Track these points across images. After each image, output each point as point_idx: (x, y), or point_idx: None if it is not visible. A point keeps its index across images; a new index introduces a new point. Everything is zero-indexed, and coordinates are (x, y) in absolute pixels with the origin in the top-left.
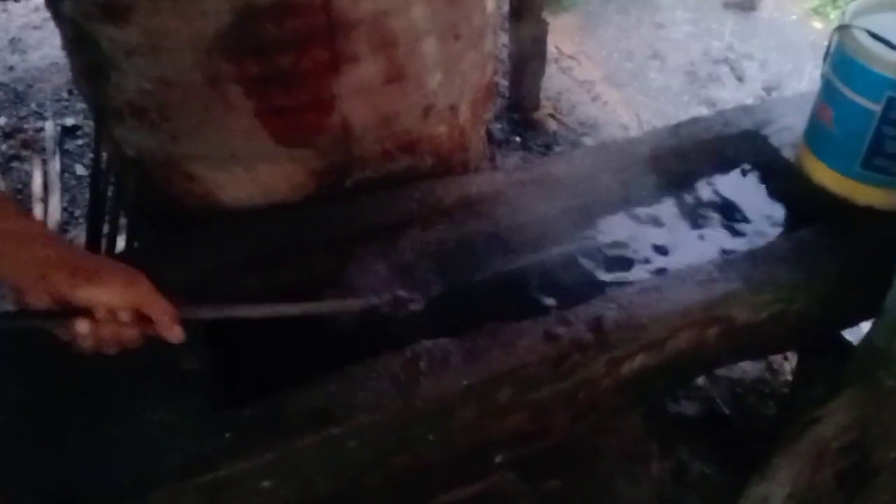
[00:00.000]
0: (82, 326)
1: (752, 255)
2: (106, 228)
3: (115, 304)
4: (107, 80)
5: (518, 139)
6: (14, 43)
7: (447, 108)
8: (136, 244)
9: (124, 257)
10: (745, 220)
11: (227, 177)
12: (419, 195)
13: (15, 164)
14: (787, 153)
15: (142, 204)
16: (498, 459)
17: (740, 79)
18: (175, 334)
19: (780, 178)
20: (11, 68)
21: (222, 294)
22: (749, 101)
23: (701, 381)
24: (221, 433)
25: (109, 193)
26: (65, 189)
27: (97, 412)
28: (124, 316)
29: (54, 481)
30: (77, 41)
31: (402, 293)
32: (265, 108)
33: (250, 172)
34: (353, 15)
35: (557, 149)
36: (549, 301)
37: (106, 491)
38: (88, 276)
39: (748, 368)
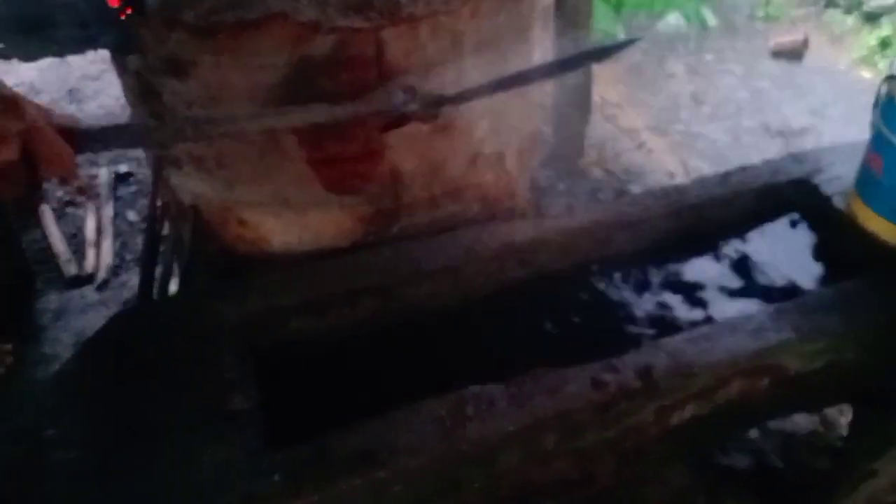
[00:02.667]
0: None
1: (803, 305)
2: (159, 272)
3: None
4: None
5: (562, 187)
6: (72, 93)
7: (494, 156)
8: (189, 289)
9: (178, 301)
10: (796, 269)
11: (278, 223)
12: (465, 241)
13: (70, 209)
14: (838, 202)
15: (196, 249)
16: None
17: (788, 127)
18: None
19: (831, 226)
20: (69, 116)
21: (273, 337)
22: (797, 149)
23: (752, 434)
24: (270, 474)
25: (163, 239)
26: (117, 234)
27: (149, 451)
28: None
29: None
30: (140, 94)
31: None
32: (318, 157)
33: (301, 219)
34: (404, 67)
35: (601, 196)
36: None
37: None
38: None
39: (801, 422)
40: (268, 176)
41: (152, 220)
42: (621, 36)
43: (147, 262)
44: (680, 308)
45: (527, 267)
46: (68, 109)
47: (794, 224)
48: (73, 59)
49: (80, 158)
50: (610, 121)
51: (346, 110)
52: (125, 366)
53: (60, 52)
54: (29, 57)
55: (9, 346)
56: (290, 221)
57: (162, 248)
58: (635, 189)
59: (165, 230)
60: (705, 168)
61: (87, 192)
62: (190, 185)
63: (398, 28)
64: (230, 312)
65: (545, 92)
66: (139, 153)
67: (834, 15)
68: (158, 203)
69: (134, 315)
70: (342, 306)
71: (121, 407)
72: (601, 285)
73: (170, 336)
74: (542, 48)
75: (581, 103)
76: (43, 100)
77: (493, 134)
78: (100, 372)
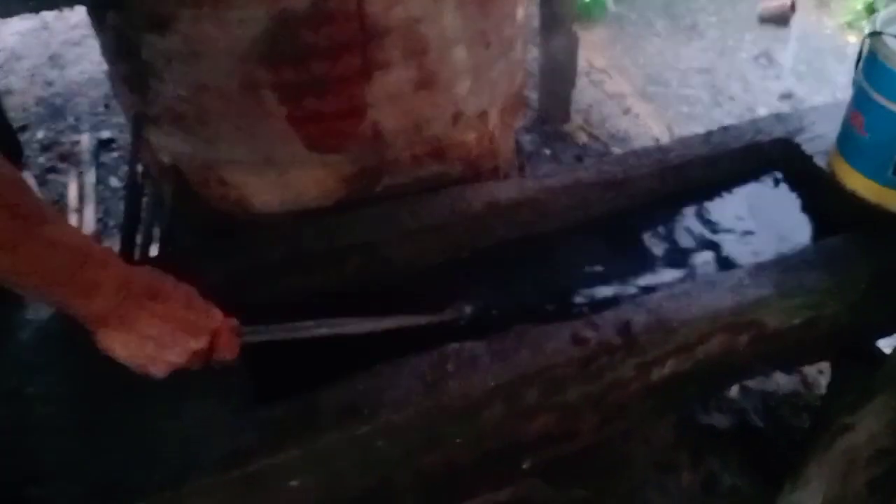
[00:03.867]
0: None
1: (784, 261)
2: (140, 234)
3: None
4: (146, 88)
5: (548, 151)
6: (54, 59)
7: (477, 114)
8: (170, 250)
9: (161, 261)
10: (778, 227)
11: (260, 182)
12: (448, 201)
13: (52, 175)
14: (820, 161)
15: (177, 210)
16: (526, 465)
17: (773, 91)
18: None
19: (813, 185)
20: (50, 83)
21: (257, 295)
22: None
23: (733, 393)
24: (254, 429)
25: (144, 202)
26: (100, 200)
27: (134, 407)
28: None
29: (95, 472)
30: (119, 50)
31: (468, 309)
32: (299, 114)
33: (283, 177)
34: (386, 22)
35: (587, 161)
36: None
37: (144, 482)
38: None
39: (782, 381)
40: (249, 133)
41: (132, 181)
42: (611, 3)
43: (128, 223)
44: (661, 266)
45: (510, 226)
46: (50, 75)
47: (776, 183)
48: (55, 24)
49: (63, 125)
50: (596, 86)
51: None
52: None
53: (37, 9)
54: (7, 12)
55: None
56: (272, 181)
57: (143, 210)
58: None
59: (147, 191)
60: (691, 132)
61: (69, 158)
62: (170, 145)
63: None
64: (215, 271)
65: (531, 56)
66: (121, 119)
67: None
68: (139, 164)
69: None
70: (326, 264)
71: (104, 364)
72: (583, 244)
73: None
74: (525, 7)
75: (566, 68)
76: (24, 65)
77: (475, 92)
78: (82, 331)
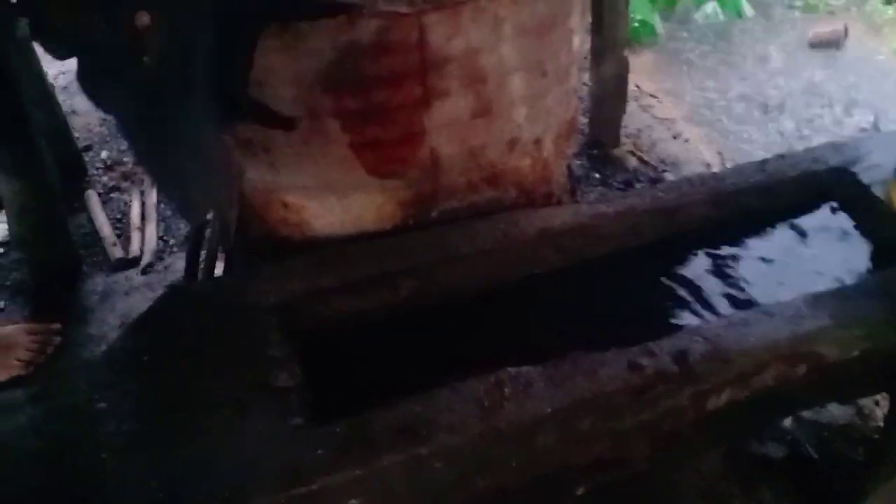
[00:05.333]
0: None
1: (841, 292)
2: (204, 255)
3: None
4: None
5: (598, 175)
6: None
7: (532, 141)
8: (233, 271)
9: (223, 282)
10: (835, 257)
11: (320, 206)
12: (502, 226)
13: (115, 194)
14: (878, 190)
15: (240, 232)
16: (579, 492)
17: (826, 119)
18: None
19: (870, 215)
20: None
21: (314, 317)
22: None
23: (788, 423)
24: (314, 449)
25: (208, 222)
26: (161, 219)
27: (197, 424)
28: None
29: (156, 488)
30: None
31: None
32: (360, 141)
33: (343, 202)
34: (446, 53)
35: (638, 186)
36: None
37: (204, 499)
38: None
39: (837, 412)
40: (311, 159)
41: None
42: (658, 25)
43: (193, 244)
44: (717, 294)
45: (563, 252)
46: None
47: (833, 212)
48: None
49: (126, 145)
50: (646, 110)
51: None
52: (173, 343)
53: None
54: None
55: (58, 327)
56: (332, 205)
57: (207, 232)
58: (672, 179)
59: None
60: (742, 158)
61: (132, 178)
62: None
63: (440, 13)
64: (274, 293)
65: (581, 81)
66: None
67: (874, 5)
68: None
69: (181, 295)
70: (381, 288)
71: (169, 382)
72: (638, 271)
73: (216, 315)
74: (580, 36)
75: (617, 92)
76: None
77: (531, 120)
78: (149, 348)
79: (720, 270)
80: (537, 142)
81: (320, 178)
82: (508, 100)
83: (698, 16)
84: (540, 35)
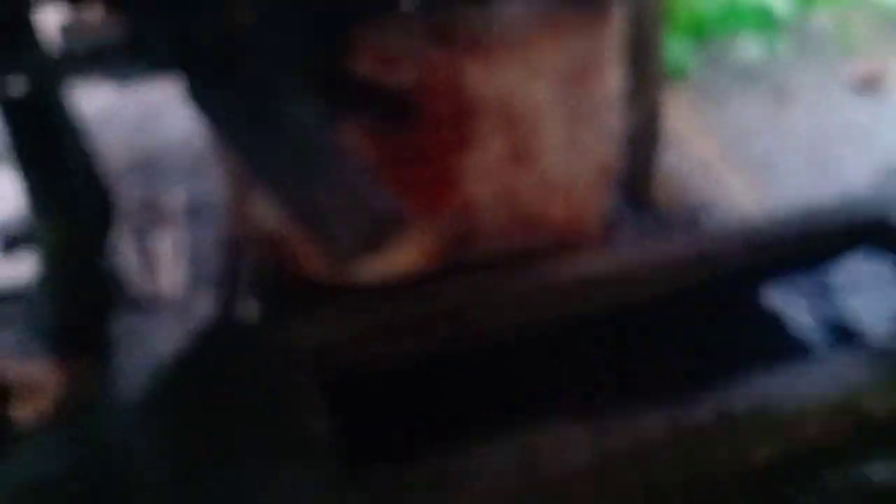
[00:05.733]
0: None
1: (888, 347)
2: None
3: None
4: None
5: (631, 217)
6: (147, 118)
7: (567, 186)
8: (265, 312)
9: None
10: (879, 309)
11: None
12: (539, 270)
13: (144, 232)
14: None
15: (274, 274)
16: None
17: (866, 162)
18: None
19: None
20: (144, 142)
21: (350, 359)
22: (877, 184)
23: (831, 480)
24: (347, 496)
25: (242, 263)
26: (191, 257)
27: (229, 467)
28: None
29: None
30: None
31: None
32: (396, 183)
33: None
34: (483, 97)
35: (672, 227)
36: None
37: None
38: None
39: (882, 471)
40: None
41: (232, 245)
42: (691, 62)
43: (227, 285)
44: (758, 344)
45: (599, 299)
46: (144, 134)
47: (875, 262)
48: (150, 86)
49: (155, 181)
50: (681, 150)
51: None
52: (208, 385)
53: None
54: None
55: (86, 363)
56: None
57: (240, 273)
58: (707, 221)
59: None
60: (779, 201)
61: (163, 215)
62: (272, 214)
63: (476, 57)
64: (308, 336)
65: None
66: (212, 179)
67: None
68: (239, 228)
69: (215, 336)
70: (416, 332)
71: (202, 425)
72: (676, 319)
73: (251, 357)
74: (615, 77)
75: (651, 132)
76: (119, 124)
77: (567, 164)
78: (181, 390)
79: (759, 319)
80: (572, 185)
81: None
82: (544, 145)
83: (735, 54)
84: (574, 80)
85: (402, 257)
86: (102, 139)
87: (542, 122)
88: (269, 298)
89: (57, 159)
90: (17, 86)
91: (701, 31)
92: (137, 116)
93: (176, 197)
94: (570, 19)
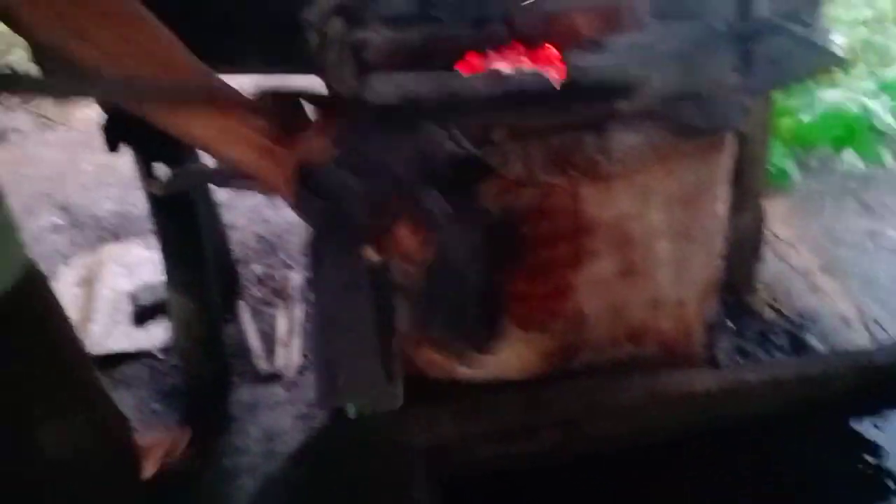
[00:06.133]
0: None
1: None
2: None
3: None
4: None
5: (731, 325)
6: (271, 199)
7: (675, 302)
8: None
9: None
10: None
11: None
12: (645, 384)
13: (264, 308)
14: None
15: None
16: None
17: None
18: None
19: None
20: (267, 222)
21: (459, 462)
22: None
23: None
24: None
25: None
26: (305, 336)
27: None
28: None
29: None
30: None
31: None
32: (510, 294)
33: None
34: (598, 218)
35: (773, 338)
36: None
37: None
38: None
39: None
40: None
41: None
42: (794, 172)
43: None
44: (870, 475)
45: (705, 415)
46: (267, 214)
47: None
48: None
49: (276, 261)
50: (781, 258)
51: None
52: (327, 478)
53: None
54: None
55: (205, 431)
56: None
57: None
58: (809, 334)
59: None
60: (883, 315)
61: (280, 293)
62: None
63: (595, 185)
64: (420, 435)
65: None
66: None
67: None
68: None
69: (332, 431)
70: (525, 438)
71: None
72: (783, 442)
73: (367, 453)
74: (725, 196)
75: (754, 241)
76: (245, 204)
77: (676, 282)
78: (303, 483)
79: (858, 448)
80: (680, 302)
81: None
82: (654, 262)
83: (837, 164)
84: (688, 203)
85: (512, 362)
86: (230, 215)
87: (654, 242)
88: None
89: (195, 239)
90: (172, 186)
91: (803, 141)
92: (260, 200)
93: (292, 277)
94: (686, 149)
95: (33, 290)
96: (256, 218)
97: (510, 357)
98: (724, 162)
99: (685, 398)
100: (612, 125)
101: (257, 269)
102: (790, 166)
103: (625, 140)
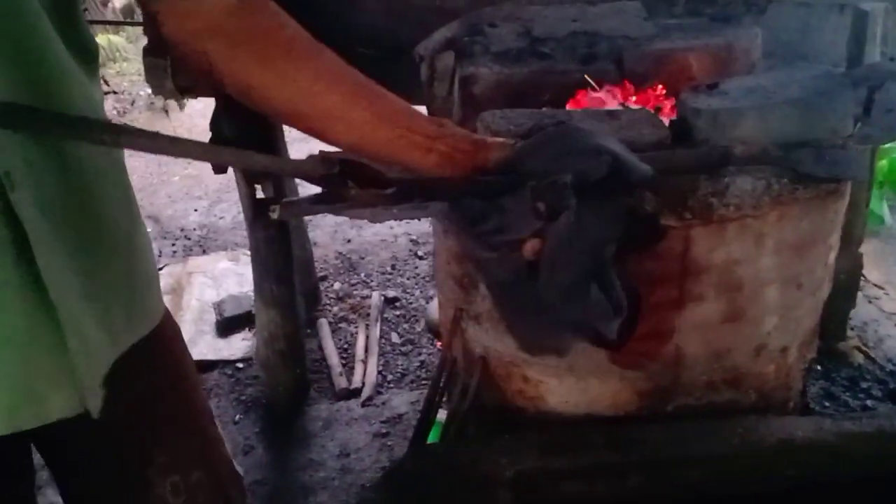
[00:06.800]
0: None
1: None
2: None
3: None
4: (473, 290)
5: (820, 368)
6: (353, 222)
7: (779, 349)
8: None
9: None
10: None
11: (559, 385)
12: (740, 430)
13: (343, 325)
14: None
15: (477, 398)
16: None
17: None
18: None
19: None
20: (349, 241)
21: (543, 496)
22: None
23: None
24: None
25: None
26: (381, 353)
27: None
28: None
29: None
30: (454, 255)
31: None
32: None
33: (581, 384)
34: (706, 262)
35: (863, 384)
36: None
37: None
38: None
39: None
40: None
41: (441, 367)
42: (887, 217)
43: (429, 405)
44: None
45: (802, 468)
46: (349, 234)
47: None
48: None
49: (356, 279)
50: (872, 302)
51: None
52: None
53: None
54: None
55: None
56: (571, 385)
57: (444, 394)
58: None
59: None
60: None
61: (359, 310)
62: (483, 339)
63: (707, 228)
64: (507, 466)
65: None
66: (406, 282)
67: None
68: (451, 351)
69: (422, 457)
70: (610, 477)
71: None
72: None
73: (453, 481)
74: (836, 244)
75: (848, 286)
76: (328, 222)
77: (781, 329)
78: None
79: None
80: (784, 349)
81: (564, 359)
82: (761, 309)
83: None
84: (800, 250)
85: (603, 399)
86: (314, 233)
87: (763, 288)
88: (469, 421)
89: (286, 254)
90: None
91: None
92: (343, 220)
93: (373, 295)
94: (803, 195)
95: (166, 339)
96: (339, 237)
97: (603, 392)
98: (840, 210)
99: (781, 448)
100: (727, 169)
101: (337, 286)
102: (883, 209)
103: (740, 184)
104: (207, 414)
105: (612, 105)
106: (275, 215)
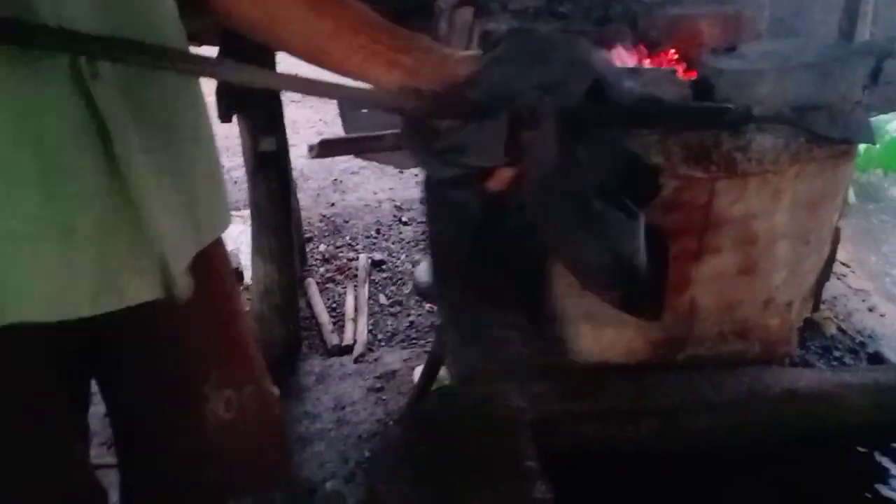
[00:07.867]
0: None
1: None
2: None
3: None
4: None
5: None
6: (336, 184)
7: (784, 303)
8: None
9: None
10: None
11: (575, 332)
12: (747, 380)
13: (330, 285)
14: None
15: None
16: None
17: None
18: None
19: None
20: (333, 204)
21: (563, 437)
22: None
23: None
24: None
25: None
26: (370, 314)
27: None
28: None
29: None
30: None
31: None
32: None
33: (596, 332)
34: (727, 215)
35: (836, 353)
36: None
37: None
38: None
39: None
40: (577, 291)
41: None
42: (851, 196)
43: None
44: None
45: (807, 417)
46: (332, 197)
47: None
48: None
49: (341, 242)
50: (840, 279)
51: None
52: (438, 441)
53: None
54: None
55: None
56: (586, 333)
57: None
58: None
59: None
60: None
61: (346, 272)
62: None
63: (731, 181)
64: (531, 409)
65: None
66: (392, 246)
67: None
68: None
69: (447, 397)
70: (626, 423)
71: (432, 479)
72: (884, 451)
73: (476, 421)
74: (841, 206)
75: (829, 259)
76: (311, 186)
77: (788, 283)
78: (416, 442)
79: None
80: (789, 304)
81: (580, 307)
82: (772, 263)
83: (889, 188)
84: (812, 207)
85: (618, 348)
86: (298, 196)
87: (775, 244)
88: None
89: (285, 210)
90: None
91: (863, 167)
92: (328, 181)
93: (360, 258)
94: (818, 154)
95: (221, 255)
96: (322, 201)
97: (618, 341)
98: (849, 172)
99: (786, 398)
100: (748, 126)
101: (322, 248)
102: (851, 191)
103: (760, 141)
104: (253, 332)
105: (629, 64)
106: (312, 154)
